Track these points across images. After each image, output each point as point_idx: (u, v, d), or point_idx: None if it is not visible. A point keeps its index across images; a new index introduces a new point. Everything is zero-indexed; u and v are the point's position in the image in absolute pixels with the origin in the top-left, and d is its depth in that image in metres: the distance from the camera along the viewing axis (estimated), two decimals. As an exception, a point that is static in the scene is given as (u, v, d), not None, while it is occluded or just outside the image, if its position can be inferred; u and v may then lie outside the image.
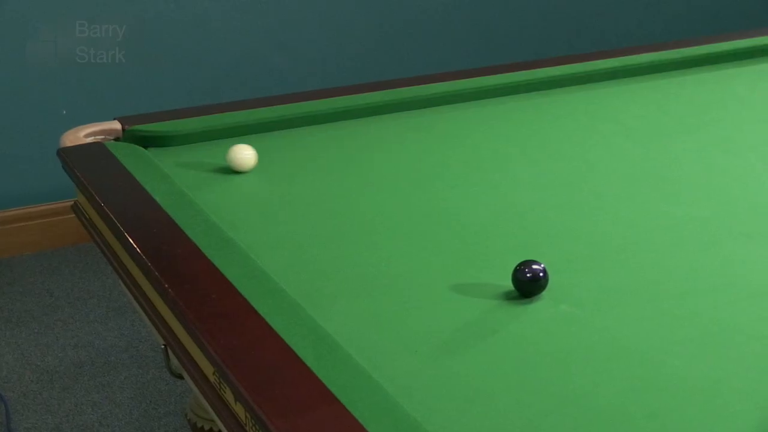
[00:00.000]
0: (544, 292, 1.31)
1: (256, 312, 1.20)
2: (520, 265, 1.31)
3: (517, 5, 4.00)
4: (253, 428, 1.06)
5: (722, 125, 2.07)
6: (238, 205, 1.66)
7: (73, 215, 1.81)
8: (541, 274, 1.30)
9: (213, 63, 3.52)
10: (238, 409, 1.11)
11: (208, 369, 1.19)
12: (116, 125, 1.93)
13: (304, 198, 1.71)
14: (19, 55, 3.24)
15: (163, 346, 1.38)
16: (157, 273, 1.32)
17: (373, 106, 2.10)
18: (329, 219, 1.62)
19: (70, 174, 1.75)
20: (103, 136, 1.91)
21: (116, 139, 1.92)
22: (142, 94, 3.41)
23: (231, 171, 1.79)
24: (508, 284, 1.32)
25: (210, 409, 1.19)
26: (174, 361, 1.35)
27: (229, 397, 1.13)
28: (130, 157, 1.77)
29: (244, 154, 1.77)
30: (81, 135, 1.90)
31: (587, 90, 2.27)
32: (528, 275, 1.30)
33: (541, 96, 2.23)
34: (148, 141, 1.90)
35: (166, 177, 1.69)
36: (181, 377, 1.42)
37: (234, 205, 1.65)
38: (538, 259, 1.32)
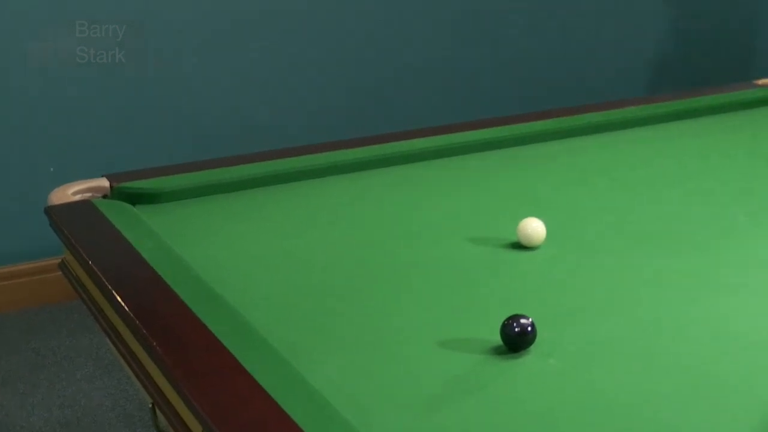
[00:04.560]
0: (532, 347, 1.31)
1: (244, 369, 1.20)
2: (508, 319, 1.31)
3: (503, 61, 4.04)
4: (242, 487, 1.05)
5: (705, 177, 2.08)
6: (226, 261, 1.66)
7: (60, 273, 1.81)
8: (529, 329, 1.30)
9: (198, 120, 3.54)
10: (227, 468, 1.10)
11: (196, 428, 1.18)
12: (104, 182, 1.94)
13: (292, 252, 1.71)
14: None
15: (150, 405, 1.37)
16: (144, 331, 1.32)
17: (360, 161, 2.11)
18: (317, 273, 1.62)
19: (58, 232, 1.75)
20: (90, 194, 1.91)
21: (104, 197, 1.92)
22: (131, 146, 3.42)
23: (224, 226, 1.80)
24: (497, 338, 1.32)
25: (198, 468, 1.18)
26: (162, 419, 1.34)
27: (217, 455, 1.12)
28: (118, 214, 1.77)
29: (533, 227, 1.68)
30: (69, 192, 1.90)
31: (572, 143, 2.29)
32: (516, 329, 1.30)
33: (527, 149, 2.25)
34: (135, 198, 1.91)
35: (154, 234, 1.69)
36: (168, 436, 1.40)
37: (222, 261, 1.65)
38: (526, 313, 1.33)
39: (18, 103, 3.27)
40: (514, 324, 1.31)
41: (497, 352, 1.31)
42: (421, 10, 3.84)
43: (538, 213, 1.72)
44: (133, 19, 3.29)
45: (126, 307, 1.40)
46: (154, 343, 1.28)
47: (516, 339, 1.31)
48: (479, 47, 3.98)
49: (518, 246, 1.68)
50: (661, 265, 1.62)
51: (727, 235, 1.76)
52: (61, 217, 1.78)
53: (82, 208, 1.83)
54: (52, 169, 3.29)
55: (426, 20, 3.85)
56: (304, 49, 3.65)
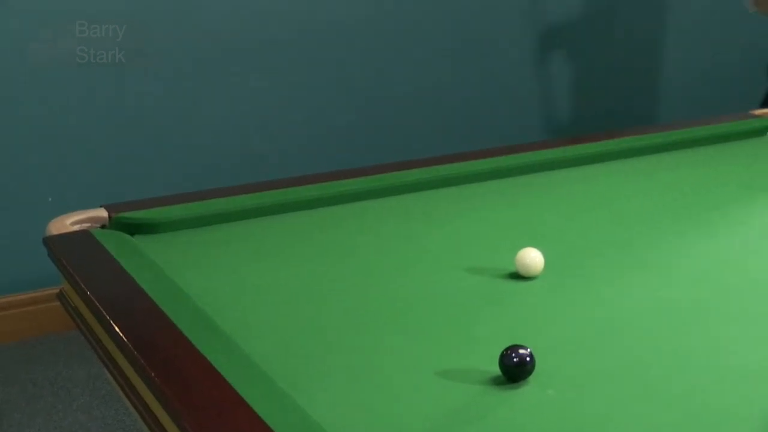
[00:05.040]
0: (531, 377, 1.31)
1: (243, 401, 1.20)
2: (506, 349, 1.31)
3: (500, 90, 4.06)
4: None
5: (703, 207, 2.09)
6: (225, 292, 1.66)
7: (58, 303, 1.81)
8: (527, 359, 1.30)
9: (196, 151, 3.54)
10: (225, 500, 1.09)
11: (194, 459, 1.17)
12: (102, 213, 1.94)
13: (290, 283, 1.71)
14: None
15: (148, 436, 1.37)
16: (143, 361, 1.32)
17: (358, 192, 2.12)
18: (315, 305, 1.62)
19: (56, 262, 1.76)
20: (89, 224, 1.92)
21: (102, 227, 1.92)
22: (131, 176, 3.42)
23: (222, 256, 1.80)
24: (495, 369, 1.32)
25: (196, 501, 1.18)
26: (160, 451, 1.33)
27: (215, 487, 1.12)
28: (116, 244, 1.77)
29: (532, 257, 1.67)
30: (67, 223, 1.90)
31: (568, 173, 2.30)
32: (515, 360, 1.30)
33: (523, 180, 2.26)
34: (134, 228, 1.91)
35: (153, 264, 1.69)
36: (166, 468, 1.40)
37: (221, 292, 1.65)
38: (524, 344, 1.33)
39: (16, 133, 3.27)
40: (513, 354, 1.31)
41: (496, 382, 1.31)
42: (420, 39, 3.86)
43: (536, 243, 1.73)
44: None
45: (124, 338, 1.40)
46: (153, 375, 1.28)
47: (515, 369, 1.30)
48: (478, 77, 4.00)
49: (516, 276, 1.68)
50: (660, 295, 1.63)
51: (725, 265, 1.76)
52: (60, 248, 1.78)
53: (81, 238, 1.84)
54: (50, 199, 3.29)
55: (425, 49, 3.88)
56: (302, 79, 3.67)
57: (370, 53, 3.79)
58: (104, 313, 1.49)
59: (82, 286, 1.60)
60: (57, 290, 1.82)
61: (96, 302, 1.53)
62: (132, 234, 1.89)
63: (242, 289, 1.69)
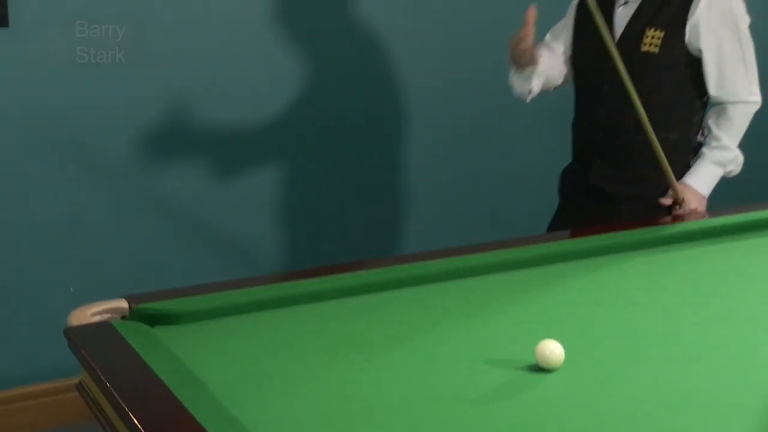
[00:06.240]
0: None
1: (261, 494, 1.19)
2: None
3: (522, 184, 4.08)
4: None
5: (723, 298, 2.08)
6: (244, 383, 1.65)
7: (76, 394, 1.81)
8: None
9: (213, 241, 3.56)
10: None
11: None
12: (123, 304, 1.95)
13: (308, 376, 1.70)
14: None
15: None
16: (161, 454, 1.31)
17: (375, 284, 2.12)
18: (332, 397, 1.61)
19: (76, 353, 1.76)
20: (109, 315, 1.93)
21: (123, 318, 1.93)
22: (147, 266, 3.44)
23: (243, 348, 1.81)
24: (516, 464, 1.31)
25: None
26: None
27: None
28: (136, 336, 1.78)
29: (551, 349, 1.68)
30: (88, 314, 1.92)
31: (586, 264, 2.30)
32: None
33: (541, 270, 2.26)
34: (154, 319, 1.92)
35: (173, 356, 1.69)
36: None
37: (240, 383, 1.65)
38: (544, 437, 1.32)
39: (32, 223, 3.29)
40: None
41: (517, 477, 1.30)
42: (428, 131, 3.90)
43: (555, 335, 1.72)
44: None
45: (143, 430, 1.40)
46: (171, 467, 1.27)
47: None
48: (487, 167, 4.03)
49: (537, 368, 1.68)
50: (682, 387, 1.61)
51: (748, 358, 1.75)
52: (80, 339, 1.79)
53: (101, 329, 1.84)
54: (72, 290, 3.30)
55: (433, 141, 3.91)
56: (317, 170, 3.71)
57: (382, 145, 3.84)
58: (123, 404, 1.49)
59: (102, 377, 1.61)
60: (76, 381, 1.82)
61: (115, 393, 1.54)
62: (152, 325, 1.90)
63: (261, 380, 1.68)
